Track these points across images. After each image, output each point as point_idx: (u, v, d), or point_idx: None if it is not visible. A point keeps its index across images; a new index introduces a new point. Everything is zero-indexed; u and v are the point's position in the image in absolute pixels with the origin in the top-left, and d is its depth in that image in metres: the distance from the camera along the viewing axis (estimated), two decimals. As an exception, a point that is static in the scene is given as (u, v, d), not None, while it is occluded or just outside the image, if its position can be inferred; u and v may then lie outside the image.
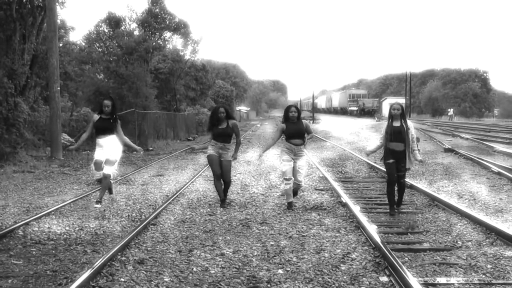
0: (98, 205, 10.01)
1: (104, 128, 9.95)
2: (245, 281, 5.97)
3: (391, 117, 9.37)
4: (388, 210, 9.64)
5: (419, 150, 9.57)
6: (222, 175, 10.42)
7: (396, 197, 9.72)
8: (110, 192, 10.68)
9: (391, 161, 9.40)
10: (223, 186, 10.59)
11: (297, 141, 9.96)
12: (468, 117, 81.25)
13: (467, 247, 7.32)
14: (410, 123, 9.45)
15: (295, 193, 10.45)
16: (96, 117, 10.11)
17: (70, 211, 9.95)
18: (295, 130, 9.96)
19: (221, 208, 10.23)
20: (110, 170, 10.05)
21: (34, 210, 10.17)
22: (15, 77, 19.99)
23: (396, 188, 9.62)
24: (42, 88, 24.19)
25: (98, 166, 9.93)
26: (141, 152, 11.17)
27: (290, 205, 10.11)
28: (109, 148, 9.95)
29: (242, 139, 33.51)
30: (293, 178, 10.00)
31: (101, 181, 10.17)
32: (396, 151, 9.31)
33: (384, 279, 5.97)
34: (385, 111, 77.41)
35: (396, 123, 9.34)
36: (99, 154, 9.93)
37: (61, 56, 24.05)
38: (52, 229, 8.45)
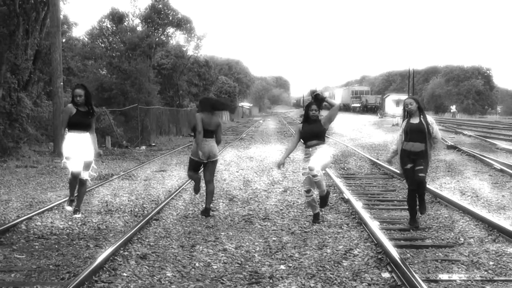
0: (78, 215, 8.89)
1: (82, 124, 8.73)
2: (247, 276, 5.98)
3: (408, 114, 8.32)
4: (409, 219, 8.52)
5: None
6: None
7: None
8: (76, 210, 9.02)
9: (409, 166, 8.26)
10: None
11: (312, 143, 8.65)
12: (471, 114, 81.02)
13: (469, 243, 7.32)
14: (431, 119, 8.33)
15: (324, 201, 8.83)
16: (72, 109, 8.69)
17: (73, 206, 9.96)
18: (310, 132, 8.66)
19: (224, 204, 10.23)
20: (87, 175, 9.00)
21: (37, 204, 10.19)
22: (18, 72, 20.00)
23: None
24: (45, 83, 24.19)
25: (74, 163, 8.67)
26: (100, 156, 9.80)
27: (315, 218, 8.71)
28: (86, 148, 8.79)
29: (244, 135, 33.71)
30: (312, 190, 8.58)
31: (76, 178, 8.78)
32: (412, 152, 8.20)
33: (386, 275, 5.98)
34: (388, 108, 77.42)
35: (414, 120, 8.23)
36: (72, 150, 8.63)
37: (64, 52, 24.05)
38: (55, 224, 8.47)
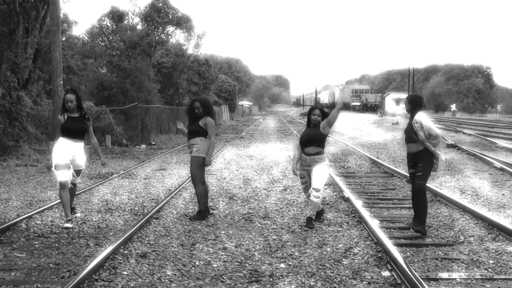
0: (69, 224, 8.18)
1: (75, 130, 8.23)
2: (247, 275, 5.98)
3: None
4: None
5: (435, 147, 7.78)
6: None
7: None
8: (74, 210, 8.76)
9: (410, 170, 8.02)
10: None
11: (309, 150, 8.31)
12: (471, 113, 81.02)
13: (469, 242, 7.32)
14: (420, 117, 7.80)
15: (310, 221, 8.32)
16: (61, 119, 8.25)
17: (73, 204, 9.95)
18: (307, 136, 8.36)
19: (224, 202, 10.23)
20: (77, 181, 8.59)
21: (37, 203, 10.19)
22: (18, 71, 19.98)
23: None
24: (45, 82, 24.20)
25: (63, 168, 8.12)
26: (104, 166, 9.28)
27: (308, 221, 8.31)
28: (77, 157, 8.28)
29: (244, 134, 33.68)
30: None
31: (65, 188, 8.16)
32: (410, 154, 7.93)
33: (386, 273, 5.98)
34: (388, 107, 77.35)
35: (410, 120, 7.95)
36: (60, 158, 8.11)
37: (64, 50, 24.00)
38: (55, 223, 8.47)
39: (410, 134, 7.82)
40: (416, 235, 7.73)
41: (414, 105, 7.95)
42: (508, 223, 7.86)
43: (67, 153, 8.13)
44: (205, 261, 6.49)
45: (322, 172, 8.26)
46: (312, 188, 8.21)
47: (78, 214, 8.77)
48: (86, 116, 8.40)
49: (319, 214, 8.59)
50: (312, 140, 8.28)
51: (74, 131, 8.22)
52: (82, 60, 35.16)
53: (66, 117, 8.23)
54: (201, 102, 8.95)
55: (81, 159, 8.38)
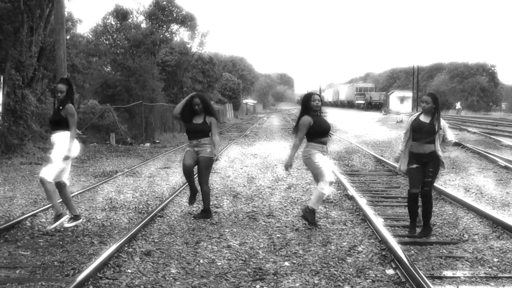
0: (78, 221, 8.00)
1: (51, 121, 7.95)
2: (252, 273, 5.98)
3: (421, 111, 7.59)
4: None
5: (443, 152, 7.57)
6: (198, 177, 8.93)
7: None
8: (59, 215, 7.83)
9: (414, 166, 7.45)
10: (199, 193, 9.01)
11: (327, 139, 8.12)
12: (476, 111, 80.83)
13: (473, 240, 7.31)
14: (444, 123, 7.55)
15: (313, 215, 8.12)
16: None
17: (77, 202, 9.97)
18: (324, 126, 8.08)
19: (228, 201, 10.23)
20: (49, 175, 7.79)
21: (41, 201, 10.22)
22: (23, 69, 20.02)
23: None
24: (49, 80, 24.25)
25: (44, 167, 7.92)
26: (67, 158, 7.85)
27: (311, 214, 8.09)
28: (56, 149, 7.81)
29: (248, 132, 33.72)
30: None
31: (43, 184, 7.87)
32: (420, 155, 7.41)
33: (390, 272, 5.98)
34: (392, 105, 77.24)
35: (426, 119, 7.45)
36: (51, 152, 7.93)
37: (69, 49, 24.09)
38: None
39: (427, 135, 7.36)
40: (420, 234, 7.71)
41: (438, 104, 7.48)
42: (513, 222, 7.85)
43: (52, 147, 7.84)
44: (209, 259, 6.50)
45: (330, 162, 8.16)
46: (328, 180, 7.94)
47: (79, 221, 8.03)
48: (65, 104, 7.73)
49: (310, 214, 8.12)
50: (327, 131, 8.16)
51: (51, 123, 7.97)
52: (86, 59, 35.20)
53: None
54: (201, 98, 8.84)
55: (58, 153, 7.76)
